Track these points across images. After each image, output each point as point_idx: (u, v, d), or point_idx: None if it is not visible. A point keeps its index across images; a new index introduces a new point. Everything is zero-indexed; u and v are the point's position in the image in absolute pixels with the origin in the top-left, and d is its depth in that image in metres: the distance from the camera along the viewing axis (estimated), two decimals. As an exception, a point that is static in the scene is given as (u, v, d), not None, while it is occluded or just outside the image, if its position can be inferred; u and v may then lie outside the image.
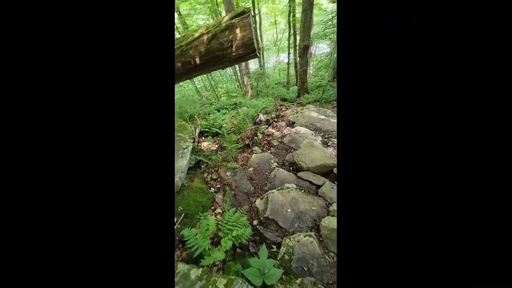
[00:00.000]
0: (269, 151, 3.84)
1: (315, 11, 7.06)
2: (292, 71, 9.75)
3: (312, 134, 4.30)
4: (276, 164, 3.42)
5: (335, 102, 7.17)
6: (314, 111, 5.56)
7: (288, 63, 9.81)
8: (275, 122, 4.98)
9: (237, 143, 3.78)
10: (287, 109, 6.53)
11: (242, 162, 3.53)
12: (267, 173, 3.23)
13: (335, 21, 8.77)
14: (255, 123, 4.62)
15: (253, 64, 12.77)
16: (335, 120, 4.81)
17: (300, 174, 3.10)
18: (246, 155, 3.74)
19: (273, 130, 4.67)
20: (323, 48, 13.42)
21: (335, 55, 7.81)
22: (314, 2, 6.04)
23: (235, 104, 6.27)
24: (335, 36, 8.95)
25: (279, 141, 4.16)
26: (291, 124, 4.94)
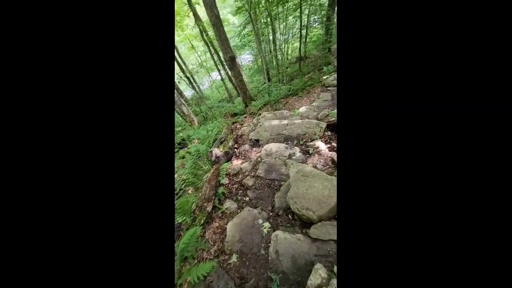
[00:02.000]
0: (247, 199, 2.27)
1: (226, 27, 6.24)
2: (229, 85, 8.69)
3: (286, 147, 2.98)
4: (267, 223, 1.85)
5: (284, 100, 6.25)
6: (271, 118, 4.28)
7: (222, 79, 8.66)
8: (236, 149, 3.52)
9: (193, 218, 2.05)
10: (241, 125, 5.13)
11: (215, 247, 1.83)
12: (262, 252, 1.64)
13: (244, 31, 8.17)
14: (212, 163, 3.06)
15: (188, 91, 11.17)
16: (300, 120, 3.62)
17: (312, 231, 1.59)
18: (216, 225, 2.04)
19: (239, 163, 3.08)
20: (246, 59, 12.85)
21: (262, 59, 6.91)
22: (222, 18, 5.28)
23: (183, 140, 4.66)
24: (255, 43, 8.39)
25: (253, 177, 2.60)
26: (256, 144, 3.56)
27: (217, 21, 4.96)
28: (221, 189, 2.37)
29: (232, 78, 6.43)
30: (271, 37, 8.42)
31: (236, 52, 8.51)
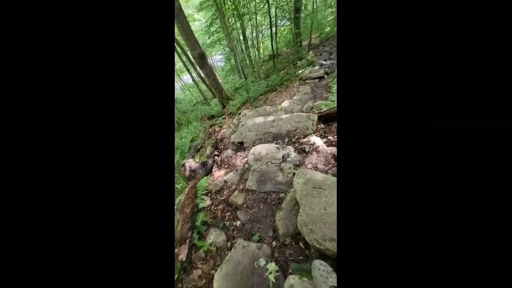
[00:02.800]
0: (239, 225, 1.60)
1: (191, 25, 5.38)
2: (203, 86, 7.84)
3: (278, 148, 2.37)
4: (272, 264, 1.17)
5: (264, 96, 5.67)
6: (254, 115, 3.63)
7: (194, 81, 7.77)
8: (217, 156, 2.80)
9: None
10: (220, 127, 4.40)
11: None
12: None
13: (212, 28, 7.42)
14: (187, 179, 2.29)
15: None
16: (287, 115, 3.05)
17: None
18: (199, 273, 1.30)
19: (222, 174, 2.33)
20: (218, 59, 12.01)
21: (237, 54, 6.26)
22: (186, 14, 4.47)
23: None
24: (225, 41, 7.73)
25: (242, 191, 1.92)
26: (240, 147, 2.88)
27: (178, 14, 4.16)
28: (200, 217, 1.63)
29: (205, 78, 5.65)
30: (241, 37, 7.80)
31: (205, 51, 7.70)
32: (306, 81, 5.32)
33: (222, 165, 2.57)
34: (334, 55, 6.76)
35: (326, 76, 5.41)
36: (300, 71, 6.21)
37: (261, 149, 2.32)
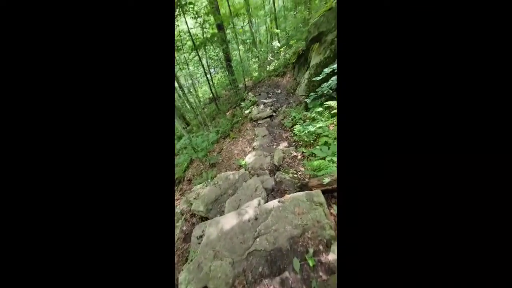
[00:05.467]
0: None
1: None
2: None
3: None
4: None
5: (218, 146, 4.19)
6: (212, 197, 2.04)
7: None
8: None
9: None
10: None
11: None
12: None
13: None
14: None
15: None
16: (274, 202, 1.70)
17: None
18: None
19: None
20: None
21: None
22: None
23: None
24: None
25: None
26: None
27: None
28: None
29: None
30: (176, 84, 6.37)
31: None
32: (259, 122, 4.37)
33: None
34: (271, 94, 6.40)
35: (274, 114, 4.70)
36: (246, 111, 5.30)
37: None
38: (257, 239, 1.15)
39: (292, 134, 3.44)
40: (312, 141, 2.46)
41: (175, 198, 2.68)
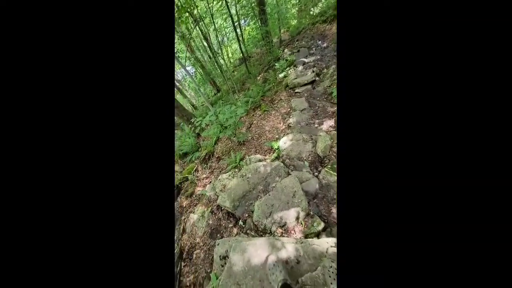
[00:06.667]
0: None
1: None
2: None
3: None
4: None
5: (248, 120, 3.70)
6: (235, 193, 1.77)
7: None
8: None
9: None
10: (191, 195, 2.45)
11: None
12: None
13: None
14: None
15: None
16: (314, 242, 1.24)
17: None
18: None
19: None
20: (188, 70, 9.31)
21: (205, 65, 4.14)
22: None
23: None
24: (185, 53, 5.45)
25: None
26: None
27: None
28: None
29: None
30: (204, 43, 5.53)
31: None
32: (296, 91, 3.47)
33: None
34: (314, 49, 4.88)
35: (317, 78, 3.59)
36: (281, 75, 4.29)
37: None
38: (299, 297, 0.77)
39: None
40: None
41: (205, 175, 2.58)
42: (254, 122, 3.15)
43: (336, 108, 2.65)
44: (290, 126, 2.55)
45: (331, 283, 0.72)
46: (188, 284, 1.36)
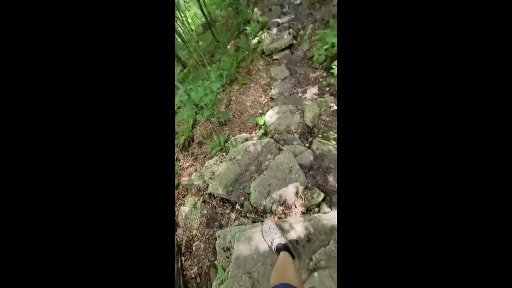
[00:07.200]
0: None
1: None
2: None
3: None
4: None
5: (226, 97, 3.20)
6: (226, 174, 1.58)
7: None
8: None
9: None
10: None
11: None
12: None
13: None
14: None
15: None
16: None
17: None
18: None
19: None
20: None
21: None
22: None
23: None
24: None
25: None
26: None
27: None
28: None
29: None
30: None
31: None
32: (274, 57, 3.10)
33: None
34: (287, 7, 4.29)
35: (295, 42, 3.23)
36: (254, 41, 3.77)
37: None
38: (315, 273, 0.74)
39: (323, 73, 2.40)
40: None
41: (188, 164, 2.33)
42: (233, 98, 2.82)
43: (318, 73, 2.49)
44: (273, 98, 2.35)
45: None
46: (193, 276, 1.30)
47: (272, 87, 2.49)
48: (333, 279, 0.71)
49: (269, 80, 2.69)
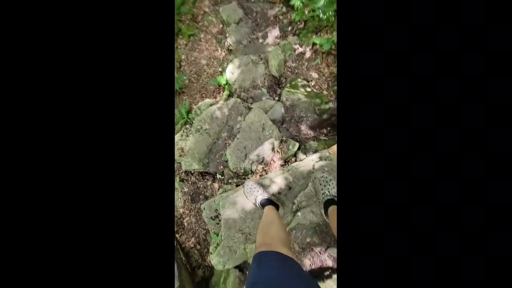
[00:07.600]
0: None
1: None
2: None
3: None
4: None
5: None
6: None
7: None
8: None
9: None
10: None
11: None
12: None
13: None
14: None
15: None
16: None
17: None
18: None
19: None
20: None
21: None
22: None
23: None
24: None
25: None
26: None
27: None
28: None
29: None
30: None
31: None
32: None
33: None
34: None
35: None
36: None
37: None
38: (298, 213, 0.81)
39: (282, 7, 2.01)
40: (332, 18, 1.37)
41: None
42: (183, 57, 2.27)
43: (276, 10, 2.08)
44: (231, 50, 1.97)
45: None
46: (192, 246, 1.37)
47: (227, 35, 2.05)
48: (314, 213, 0.80)
49: (221, 26, 2.17)
